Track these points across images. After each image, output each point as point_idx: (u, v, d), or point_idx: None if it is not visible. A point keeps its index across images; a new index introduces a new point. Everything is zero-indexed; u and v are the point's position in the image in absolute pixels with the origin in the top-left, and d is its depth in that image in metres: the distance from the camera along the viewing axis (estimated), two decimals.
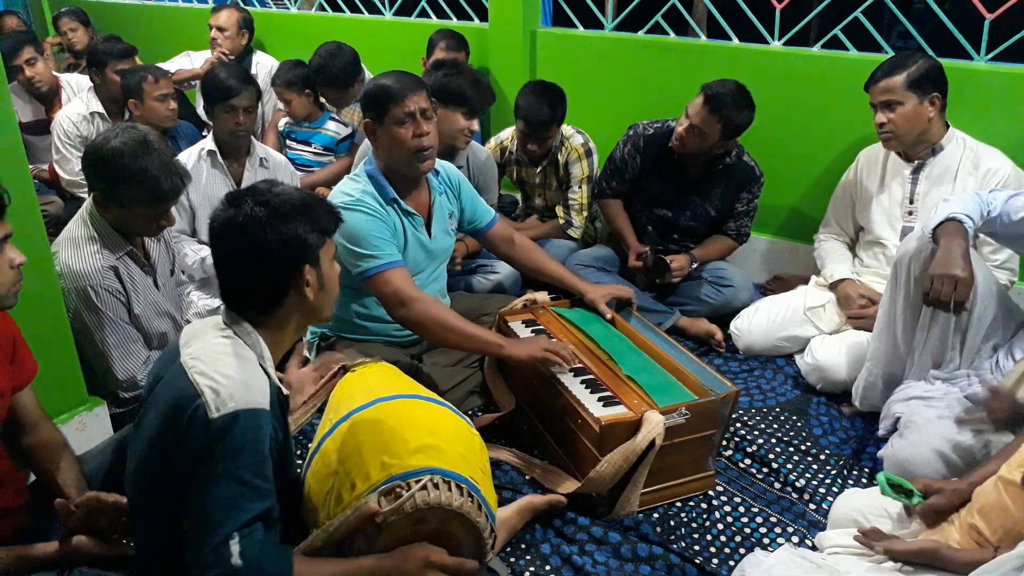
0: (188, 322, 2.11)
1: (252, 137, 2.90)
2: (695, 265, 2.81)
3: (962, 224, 1.89)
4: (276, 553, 1.33)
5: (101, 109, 3.55)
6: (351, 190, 2.19)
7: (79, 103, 3.61)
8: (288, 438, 1.48)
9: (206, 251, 2.74)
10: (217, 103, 2.76)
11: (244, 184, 2.81)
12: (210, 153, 2.81)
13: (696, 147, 2.66)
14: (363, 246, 2.11)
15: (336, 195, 2.20)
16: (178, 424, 1.30)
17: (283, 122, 3.64)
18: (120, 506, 1.54)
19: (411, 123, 2.11)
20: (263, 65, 4.04)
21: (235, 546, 1.25)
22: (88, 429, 2.09)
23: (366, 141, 2.91)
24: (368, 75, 3.69)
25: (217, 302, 2.55)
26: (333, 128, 3.57)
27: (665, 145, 2.79)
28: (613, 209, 2.99)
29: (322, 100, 3.61)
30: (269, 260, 1.38)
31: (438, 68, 2.70)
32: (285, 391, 1.43)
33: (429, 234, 2.31)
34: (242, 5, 4.36)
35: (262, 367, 1.38)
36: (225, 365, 1.33)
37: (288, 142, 3.61)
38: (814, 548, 1.78)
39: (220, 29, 3.96)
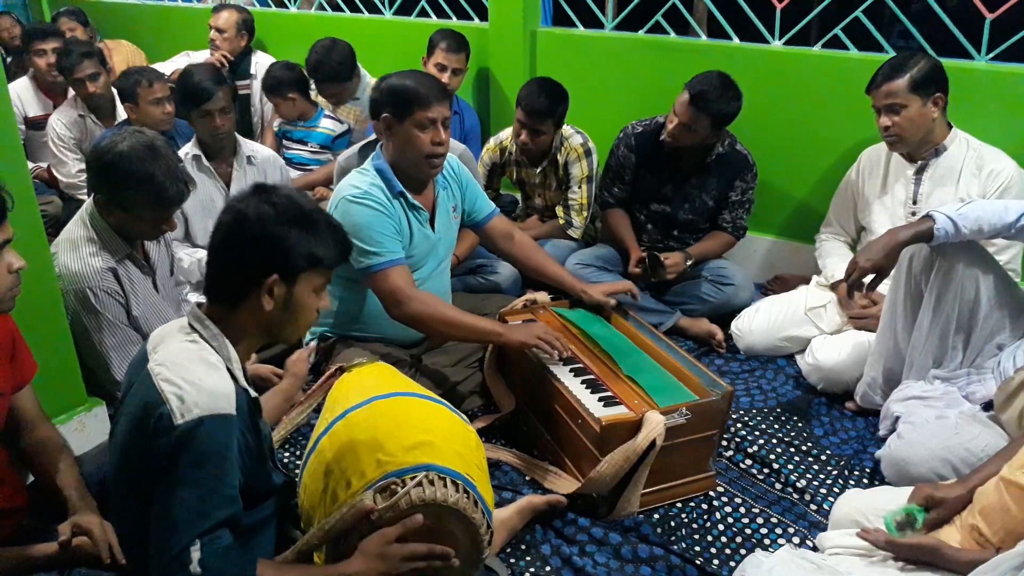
0: None
1: (236, 135, 2.85)
2: (690, 263, 2.80)
3: (932, 223, 1.94)
4: (238, 560, 1.31)
5: (89, 112, 3.58)
6: (359, 183, 2.20)
7: (69, 106, 3.62)
8: (262, 441, 1.46)
9: (201, 253, 2.72)
10: (192, 108, 2.71)
11: (234, 184, 2.78)
12: (195, 157, 2.77)
13: (689, 142, 2.69)
14: (367, 242, 2.12)
15: (344, 187, 2.21)
16: (145, 432, 1.30)
17: (277, 122, 3.65)
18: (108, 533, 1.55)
19: (432, 129, 2.13)
20: (262, 65, 4.03)
21: (195, 553, 1.25)
22: (87, 429, 2.09)
23: (340, 158, 2.90)
24: (365, 73, 3.69)
25: None
26: (328, 126, 3.58)
27: (657, 141, 2.80)
28: (616, 218, 2.99)
29: (316, 99, 3.61)
30: (245, 250, 1.38)
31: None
32: (253, 394, 1.42)
33: (433, 228, 2.32)
34: (242, 5, 4.36)
35: (229, 371, 1.37)
36: (190, 371, 1.32)
37: (284, 141, 3.62)
38: (815, 549, 1.77)
39: (219, 31, 3.96)
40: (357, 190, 2.17)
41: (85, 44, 3.73)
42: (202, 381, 1.31)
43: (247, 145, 2.89)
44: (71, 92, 3.90)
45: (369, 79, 3.69)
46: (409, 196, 2.23)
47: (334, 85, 3.49)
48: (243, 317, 1.42)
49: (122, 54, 4.59)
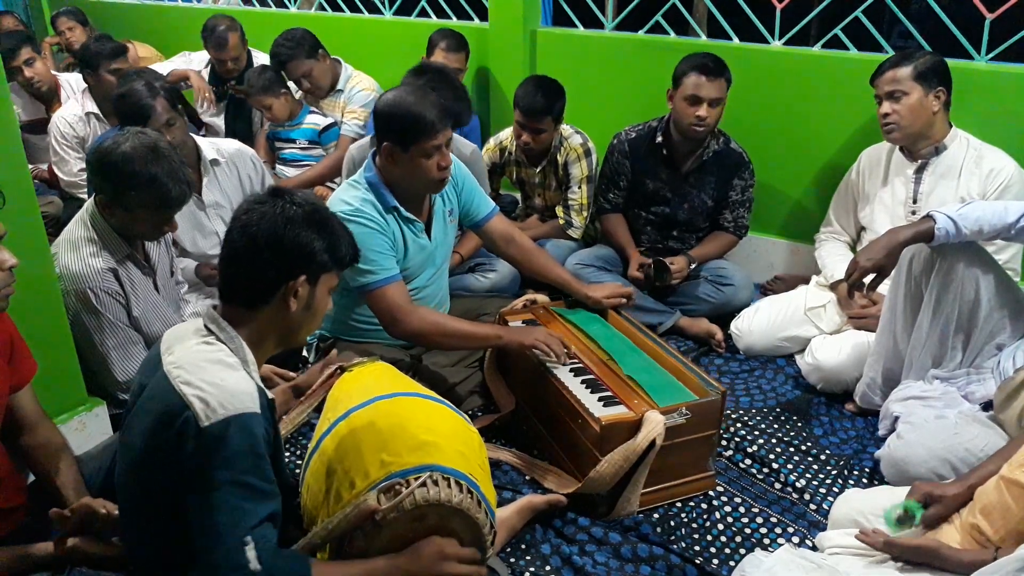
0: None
1: (194, 138, 2.71)
2: (693, 266, 2.81)
3: (933, 223, 1.94)
4: (291, 556, 1.32)
5: (97, 110, 3.55)
6: (351, 198, 2.17)
7: (75, 104, 3.61)
8: (278, 440, 1.47)
9: (186, 262, 2.67)
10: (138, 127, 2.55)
11: (206, 189, 2.68)
12: None
13: (717, 120, 2.68)
14: (361, 261, 2.09)
15: (335, 203, 2.18)
16: (168, 436, 1.29)
17: (266, 126, 3.66)
18: (112, 516, 1.54)
19: (438, 155, 2.11)
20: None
21: (251, 552, 1.25)
22: (88, 429, 2.09)
23: (352, 148, 2.89)
24: (346, 66, 3.67)
25: (211, 302, 2.52)
26: (313, 120, 3.59)
27: (652, 144, 2.81)
28: (613, 223, 3.00)
29: (298, 97, 3.61)
30: (274, 253, 1.38)
31: (419, 73, 2.64)
32: (270, 394, 1.42)
33: (429, 237, 2.31)
34: (241, 5, 4.35)
35: (246, 372, 1.37)
36: (210, 373, 1.31)
37: (276, 143, 3.63)
38: (814, 548, 1.78)
39: (233, 59, 3.89)
40: (348, 207, 2.14)
41: (110, 39, 3.67)
42: (224, 381, 1.31)
43: (208, 147, 2.73)
44: (63, 94, 3.90)
45: (351, 71, 3.67)
46: (403, 210, 2.21)
47: (299, 64, 3.48)
48: (262, 320, 1.42)
49: (148, 58, 4.58)
